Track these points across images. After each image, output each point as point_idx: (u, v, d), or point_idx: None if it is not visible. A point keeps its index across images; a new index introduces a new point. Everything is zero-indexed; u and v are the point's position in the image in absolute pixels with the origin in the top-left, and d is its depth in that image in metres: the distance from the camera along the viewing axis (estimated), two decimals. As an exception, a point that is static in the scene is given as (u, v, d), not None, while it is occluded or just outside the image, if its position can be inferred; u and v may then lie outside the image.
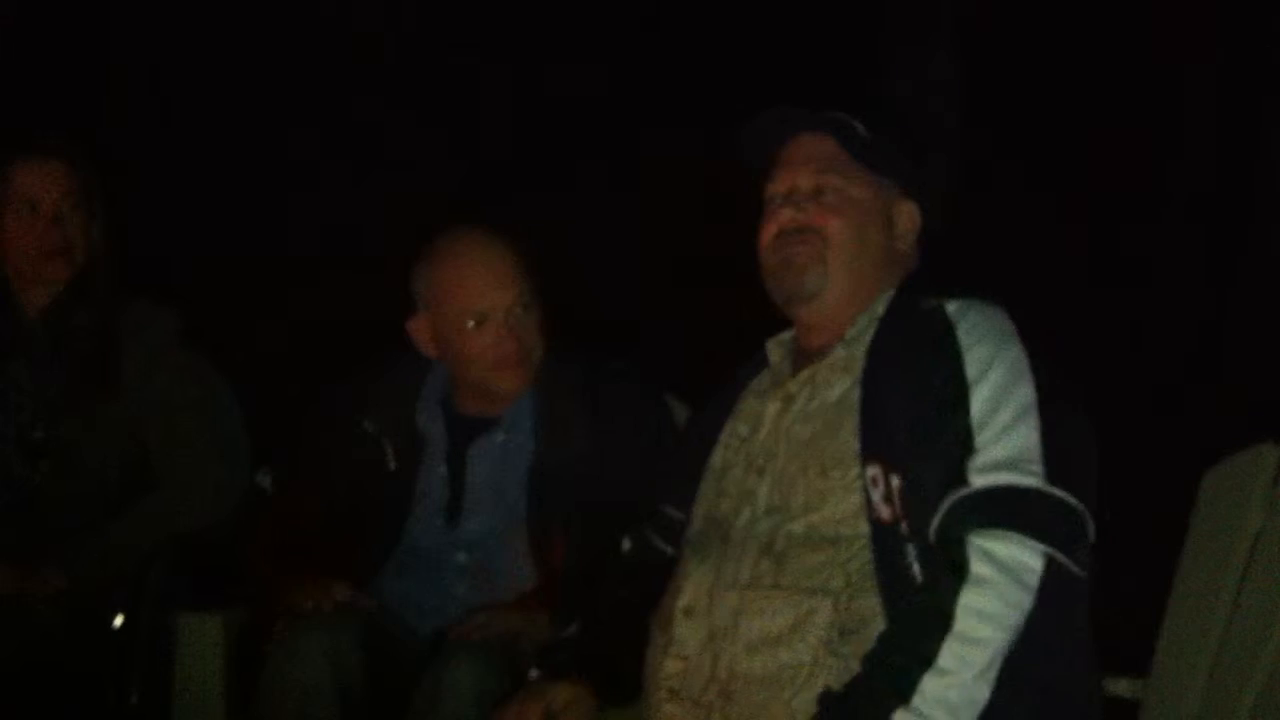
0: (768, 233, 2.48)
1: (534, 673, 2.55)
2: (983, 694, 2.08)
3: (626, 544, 2.72)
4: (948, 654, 2.10)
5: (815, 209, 2.45)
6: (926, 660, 2.10)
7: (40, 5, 5.39)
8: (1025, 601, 2.11)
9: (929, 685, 2.09)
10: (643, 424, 2.89)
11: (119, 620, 3.12)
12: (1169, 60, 5.53)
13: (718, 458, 2.52)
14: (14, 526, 3.14)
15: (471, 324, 2.90)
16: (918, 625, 2.15)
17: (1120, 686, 2.56)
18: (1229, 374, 5.46)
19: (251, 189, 5.31)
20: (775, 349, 2.56)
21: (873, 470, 2.27)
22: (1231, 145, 5.57)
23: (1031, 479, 2.18)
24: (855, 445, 2.31)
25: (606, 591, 2.66)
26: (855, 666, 2.19)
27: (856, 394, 2.35)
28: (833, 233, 2.44)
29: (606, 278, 5.25)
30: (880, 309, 2.43)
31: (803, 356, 2.50)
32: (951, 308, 2.34)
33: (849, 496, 2.30)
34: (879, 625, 2.22)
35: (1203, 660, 2.45)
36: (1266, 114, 5.50)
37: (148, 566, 3.17)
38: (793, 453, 2.39)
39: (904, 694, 2.09)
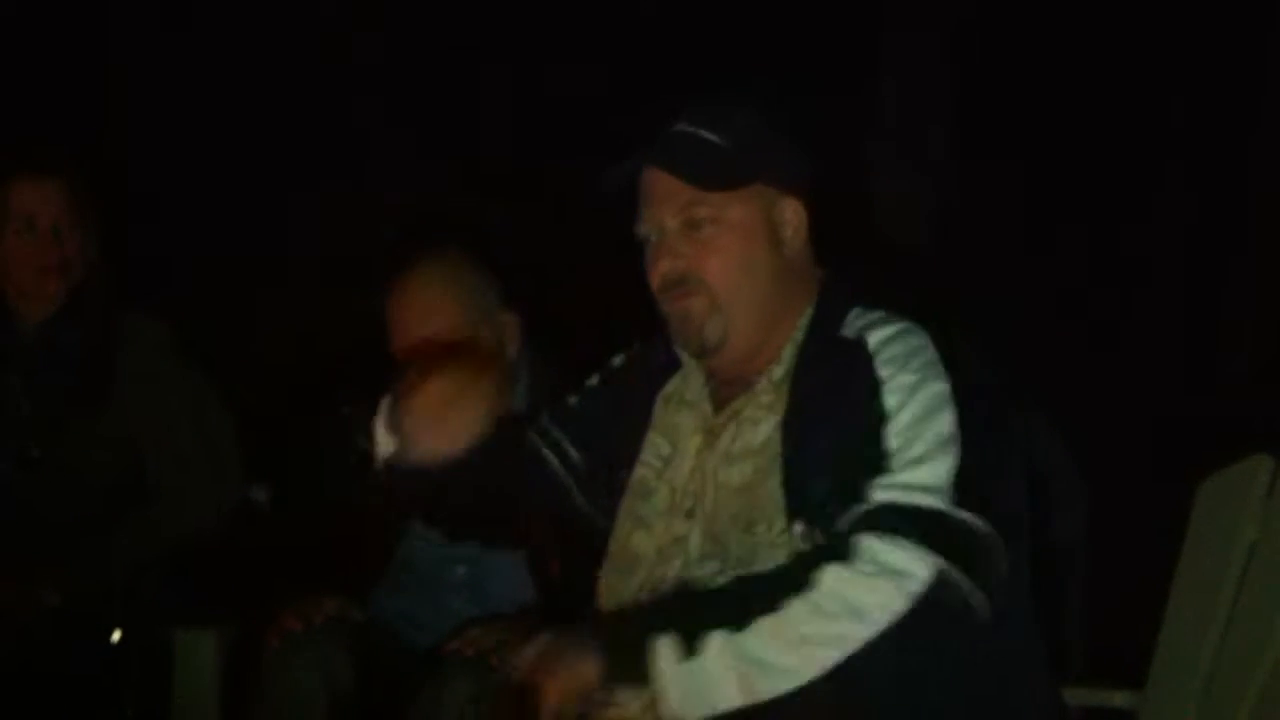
0: (653, 283, 2.30)
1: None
2: (790, 665, 2.00)
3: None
4: (790, 608, 2.01)
5: (691, 249, 2.27)
6: (766, 608, 2.02)
7: (40, 5, 5.38)
8: (895, 604, 2.01)
9: (764, 624, 2.00)
10: None
11: (116, 635, 3.13)
12: (1168, 60, 5.52)
13: (637, 475, 2.39)
14: (8, 540, 3.16)
15: (403, 359, 2.92)
16: (778, 579, 2.06)
17: (1116, 699, 2.57)
18: (1229, 375, 5.46)
19: (250, 190, 5.30)
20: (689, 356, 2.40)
21: (799, 528, 2.17)
22: (1231, 145, 5.56)
23: (937, 501, 2.08)
24: (780, 499, 2.19)
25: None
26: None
27: (778, 441, 2.23)
28: (715, 277, 2.27)
29: (606, 278, 5.24)
30: (800, 335, 2.31)
31: (720, 379, 2.36)
32: (872, 340, 2.23)
33: (777, 553, 2.18)
34: None
35: (1198, 673, 2.46)
36: (1266, 114, 5.49)
37: (142, 578, 3.19)
38: (721, 501, 2.27)
39: (738, 623, 2.01)
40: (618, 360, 2.52)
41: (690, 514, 2.30)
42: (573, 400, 2.53)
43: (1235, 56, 5.53)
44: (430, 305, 2.94)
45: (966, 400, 2.17)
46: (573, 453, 2.49)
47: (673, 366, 2.42)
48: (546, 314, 3.33)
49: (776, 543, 2.18)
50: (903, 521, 2.06)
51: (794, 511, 2.18)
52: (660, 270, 2.28)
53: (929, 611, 2.02)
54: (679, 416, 2.38)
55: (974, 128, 5.67)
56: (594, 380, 2.53)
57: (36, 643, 3.05)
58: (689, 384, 2.39)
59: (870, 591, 2.02)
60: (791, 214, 2.32)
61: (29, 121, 5.09)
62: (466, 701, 2.65)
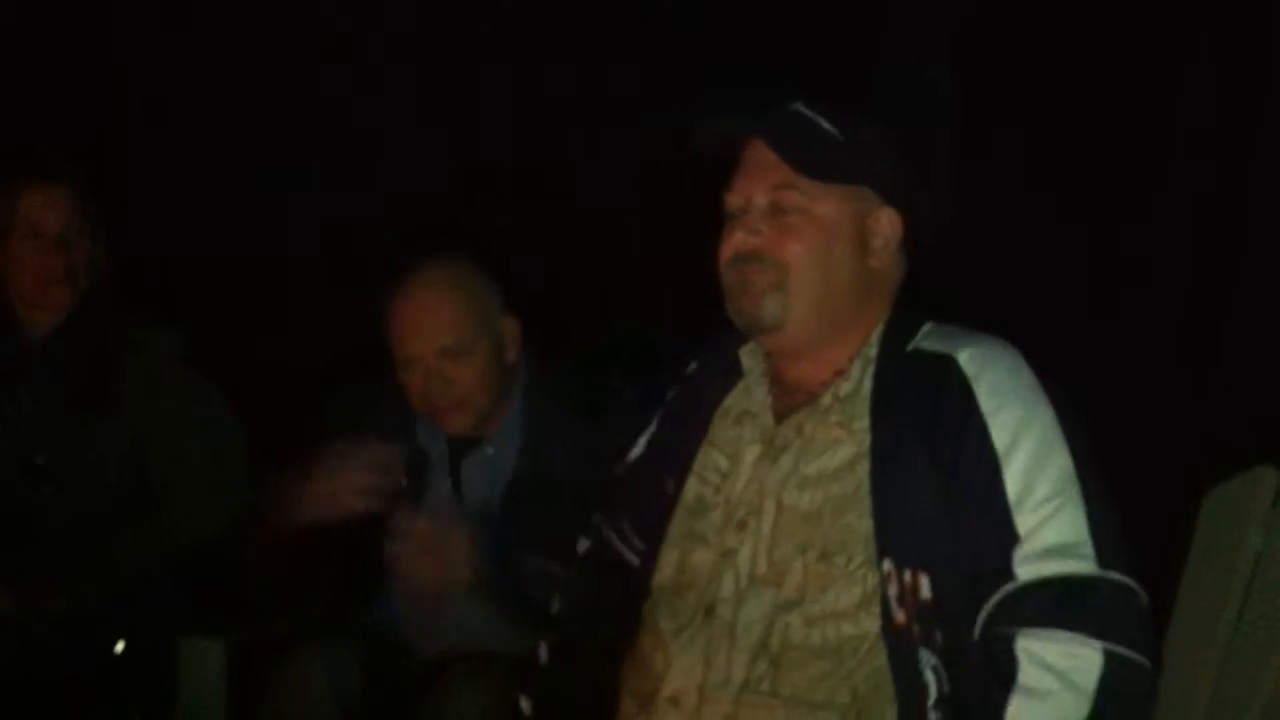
0: (724, 253, 2.25)
1: (524, 704, 2.52)
2: None
3: (583, 545, 2.53)
4: None
5: (771, 232, 2.21)
6: None
7: (40, 5, 5.36)
8: (1082, 708, 1.95)
9: None
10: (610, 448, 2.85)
11: (120, 645, 3.13)
12: (1168, 60, 5.50)
13: (691, 489, 2.30)
14: (14, 547, 3.16)
15: (403, 368, 2.95)
16: None
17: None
18: (1229, 374, 5.44)
19: (251, 190, 5.29)
20: (750, 359, 2.33)
21: (887, 566, 2.07)
22: (1231, 145, 5.55)
23: (1084, 564, 2.01)
24: (863, 531, 2.10)
25: (567, 602, 2.51)
26: None
27: (863, 470, 2.12)
28: (791, 260, 2.20)
29: (607, 279, 5.24)
30: (873, 350, 2.21)
31: (782, 388, 2.28)
32: (964, 358, 2.13)
33: (852, 588, 2.11)
34: None
35: (1204, 685, 2.46)
36: (1266, 114, 5.48)
37: (148, 586, 3.19)
38: (786, 525, 2.17)
39: None
40: (680, 376, 2.46)
41: (743, 526, 2.21)
42: (625, 469, 2.48)
43: (1235, 56, 5.52)
44: (433, 312, 2.96)
45: (1071, 429, 2.11)
46: (635, 539, 2.42)
47: (734, 377, 2.34)
48: (547, 315, 3.34)
49: (854, 576, 2.11)
50: (1055, 606, 1.98)
51: (883, 548, 2.09)
52: (734, 242, 2.24)
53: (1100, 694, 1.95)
54: (738, 429, 2.30)
55: (975, 129, 5.65)
56: (638, 449, 2.48)
57: (40, 651, 3.05)
58: (751, 396, 2.32)
59: (1056, 712, 1.95)
60: (886, 225, 2.27)
61: (29, 122, 5.08)
62: (476, 711, 2.66)
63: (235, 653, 3.02)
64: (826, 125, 2.27)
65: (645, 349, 3.07)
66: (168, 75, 5.52)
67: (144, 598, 3.21)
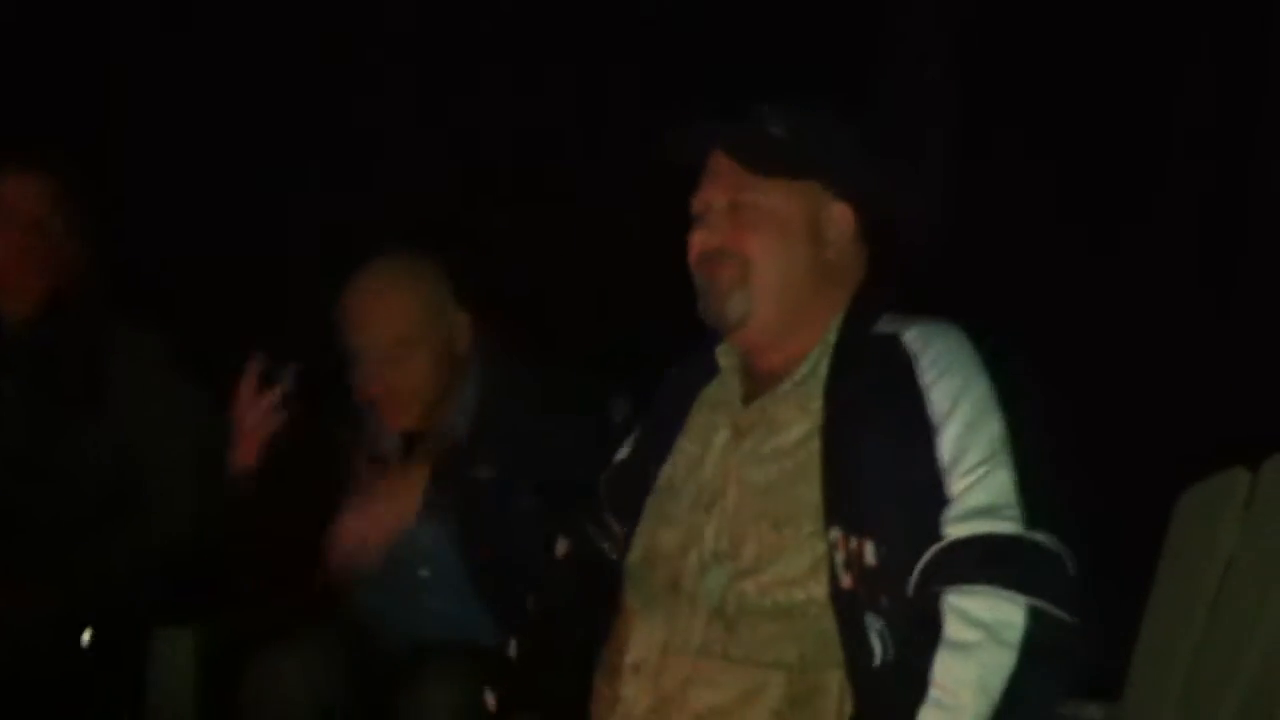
0: (691, 254, 2.40)
1: (489, 697, 2.55)
2: None
3: (562, 546, 2.64)
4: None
5: (730, 229, 2.35)
6: None
7: (40, 5, 5.39)
8: (1007, 662, 2.02)
9: None
10: (583, 435, 2.86)
11: (86, 637, 3.14)
12: (1168, 60, 5.49)
13: (665, 474, 2.45)
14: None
15: (353, 358, 2.97)
16: (900, 692, 2.08)
17: (1091, 711, 2.57)
18: (1229, 375, 5.44)
19: (250, 189, 5.31)
20: (725, 357, 2.46)
21: (835, 534, 2.18)
22: (1231, 145, 5.54)
23: (1009, 524, 2.09)
24: (813, 502, 2.21)
25: (543, 602, 2.62)
26: None
27: (816, 445, 2.24)
28: (752, 253, 2.34)
29: (605, 280, 5.25)
30: (832, 337, 2.33)
31: (754, 379, 2.40)
32: (909, 336, 2.25)
33: (801, 556, 2.22)
34: (832, 695, 2.16)
35: (1174, 686, 2.47)
36: (1266, 114, 5.46)
37: (130, 584, 3.21)
38: (745, 499, 2.29)
39: None
40: (663, 378, 2.56)
41: (709, 507, 2.33)
42: (613, 471, 2.57)
43: (1235, 56, 5.51)
44: (381, 304, 2.97)
45: (1010, 398, 2.20)
46: (619, 531, 2.54)
47: (713, 372, 2.48)
48: (544, 315, 3.34)
49: (804, 545, 2.22)
50: (981, 563, 2.06)
51: (831, 517, 2.19)
52: (696, 242, 2.38)
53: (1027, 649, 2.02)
54: (711, 417, 2.44)
55: (975, 130, 5.65)
56: (624, 450, 2.57)
57: (16, 642, 3.07)
58: (725, 386, 2.45)
59: (980, 666, 2.02)
60: (840, 218, 2.39)
61: (29, 122, 5.10)
62: (449, 705, 2.68)
63: (207, 642, 3.02)
64: (778, 126, 2.37)
65: (641, 353, 3.07)
66: (168, 75, 5.54)
67: (125, 591, 3.22)
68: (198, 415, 3.36)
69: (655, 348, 2.86)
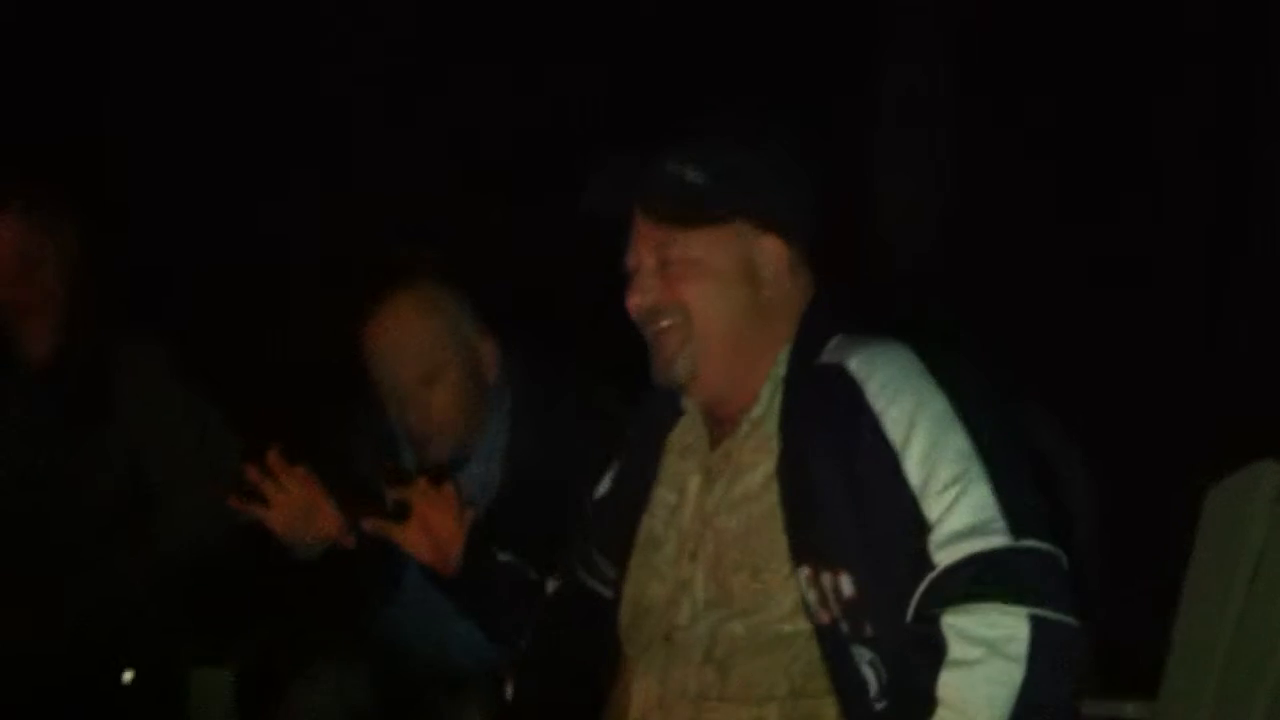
0: (631, 315, 2.31)
1: None
2: None
3: (551, 585, 2.61)
4: None
5: (661, 285, 2.27)
6: None
7: (40, 5, 5.37)
8: (1015, 675, 1.99)
9: None
10: (594, 460, 2.79)
11: (128, 676, 3.10)
12: (1169, 61, 5.52)
13: (645, 525, 2.39)
14: (10, 558, 3.13)
15: (381, 397, 2.93)
16: (902, 714, 2.05)
17: (1128, 709, 2.57)
18: (1228, 374, 5.46)
19: (247, 194, 5.30)
20: (686, 398, 2.39)
21: (805, 571, 2.15)
22: (1231, 145, 5.56)
23: (998, 538, 2.05)
24: (783, 545, 2.18)
25: (536, 641, 2.58)
26: None
27: (775, 486, 2.21)
28: (690, 302, 2.26)
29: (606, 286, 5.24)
30: (781, 370, 2.28)
31: (715, 420, 2.35)
32: (853, 364, 2.18)
33: (785, 597, 2.18)
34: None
35: (1210, 682, 2.46)
36: (1266, 114, 5.49)
37: (149, 605, 3.17)
38: (722, 548, 2.26)
39: None
40: (637, 412, 2.52)
41: (694, 556, 2.28)
42: (594, 506, 2.53)
43: (1235, 56, 5.53)
44: (403, 341, 2.93)
45: (969, 410, 2.13)
46: (608, 570, 2.48)
47: (678, 414, 2.41)
48: (547, 321, 3.31)
49: (787, 586, 2.17)
50: (975, 581, 2.02)
51: (798, 556, 2.16)
52: (631, 304, 2.28)
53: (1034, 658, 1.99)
54: (682, 464, 2.37)
55: (975, 129, 5.67)
56: (604, 485, 2.53)
57: (48, 679, 3.02)
58: (691, 429, 2.39)
59: (987, 681, 1.99)
60: (771, 253, 2.29)
61: (29, 123, 5.08)
62: None
63: (244, 676, 2.99)
64: (691, 174, 2.27)
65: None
66: (168, 76, 5.53)
67: (146, 616, 3.16)
68: (206, 422, 3.31)
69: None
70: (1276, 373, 5.07)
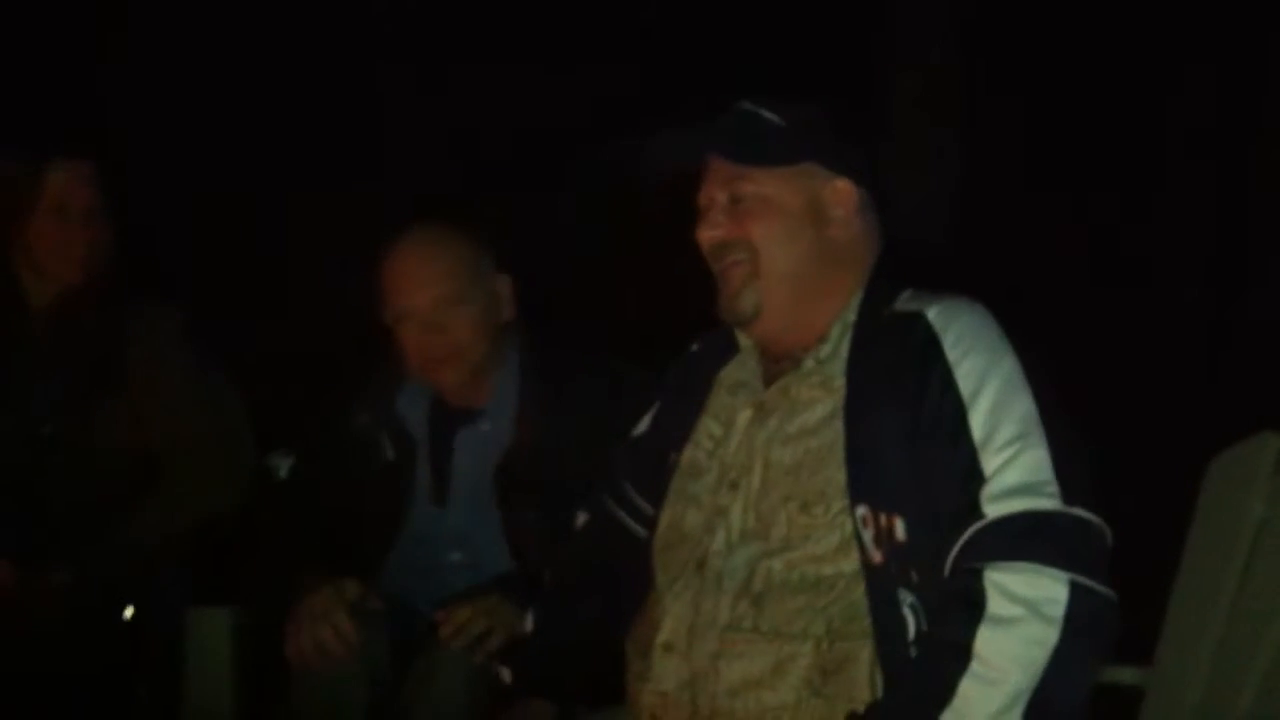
0: (703, 251, 2.38)
1: (505, 673, 2.54)
2: None
3: (581, 518, 2.64)
4: (965, 693, 2.01)
5: (730, 221, 2.34)
6: (943, 700, 2.01)
7: (40, 6, 5.39)
8: (1050, 637, 2.01)
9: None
10: (610, 418, 2.80)
11: (129, 612, 3.11)
12: (1169, 60, 5.53)
13: (687, 456, 2.42)
14: (21, 523, 3.14)
15: (397, 323, 2.94)
16: (935, 662, 2.05)
17: (1124, 675, 2.56)
18: (1230, 374, 5.46)
19: (252, 183, 5.31)
20: (744, 335, 2.44)
21: (862, 510, 2.18)
22: (1232, 145, 5.57)
23: (1049, 501, 2.08)
24: (841, 482, 2.20)
25: (559, 573, 2.60)
26: (838, 705, 2.13)
27: (839, 424, 2.24)
28: (757, 239, 2.32)
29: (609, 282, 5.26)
30: (851, 315, 2.32)
31: (772, 358, 2.39)
32: (933, 314, 2.23)
33: (831, 534, 2.21)
34: (863, 666, 2.15)
35: (1206, 649, 2.45)
36: (1266, 114, 5.50)
37: (155, 561, 3.17)
38: (772, 479, 2.29)
39: None
40: (681, 355, 2.56)
41: (734, 485, 2.31)
42: (631, 443, 2.58)
43: (1235, 56, 5.55)
44: (424, 264, 2.94)
45: (1036, 377, 2.17)
46: (642, 503, 2.53)
47: (731, 351, 2.46)
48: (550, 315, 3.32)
49: (833, 524, 2.20)
50: (1021, 539, 2.05)
51: (856, 494, 2.18)
52: (701, 238, 2.35)
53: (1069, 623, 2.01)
54: (732, 399, 2.41)
55: (982, 128, 5.68)
56: (643, 424, 2.59)
57: (48, 622, 3.03)
58: (744, 366, 2.43)
59: (1024, 642, 2.01)
60: (843, 193, 2.35)
61: (29, 123, 5.09)
62: (456, 692, 2.66)
63: (244, 622, 2.99)
64: (767, 115, 2.36)
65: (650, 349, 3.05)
66: (167, 76, 5.54)
67: (151, 570, 3.18)
68: (215, 384, 3.33)
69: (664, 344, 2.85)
70: (1277, 373, 5.07)
